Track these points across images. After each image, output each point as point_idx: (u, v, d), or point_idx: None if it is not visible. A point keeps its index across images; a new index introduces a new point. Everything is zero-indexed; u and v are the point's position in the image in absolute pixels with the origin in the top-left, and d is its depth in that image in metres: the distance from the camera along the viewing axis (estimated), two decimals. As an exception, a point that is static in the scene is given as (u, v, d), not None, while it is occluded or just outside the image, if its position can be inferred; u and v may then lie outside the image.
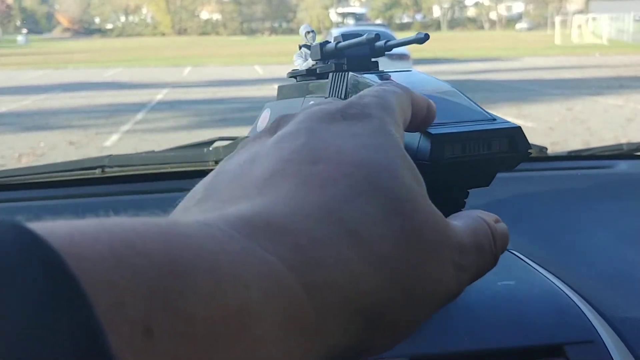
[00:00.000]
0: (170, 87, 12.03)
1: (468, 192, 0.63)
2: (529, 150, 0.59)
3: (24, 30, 52.63)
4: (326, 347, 0.26)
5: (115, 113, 8.48)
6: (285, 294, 0.24)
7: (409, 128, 0.39)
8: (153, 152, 1.32)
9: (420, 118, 0.40)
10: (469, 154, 0.53)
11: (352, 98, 0.35)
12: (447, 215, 0.33)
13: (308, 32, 0.77)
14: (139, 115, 8.27)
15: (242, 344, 0.21)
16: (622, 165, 1.24)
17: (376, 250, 0.27)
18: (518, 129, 0.57)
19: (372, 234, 0.27)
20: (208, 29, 54.62)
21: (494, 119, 0.58)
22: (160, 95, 10.69)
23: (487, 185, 0.62)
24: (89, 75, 15.07)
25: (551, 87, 10.78)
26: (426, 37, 0.62)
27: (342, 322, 0.26)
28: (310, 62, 0.74)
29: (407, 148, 0.50)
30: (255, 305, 0.22)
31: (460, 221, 0.32)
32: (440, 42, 26.67)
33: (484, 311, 0.65)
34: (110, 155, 1.21)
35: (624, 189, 1.17)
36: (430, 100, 0.41)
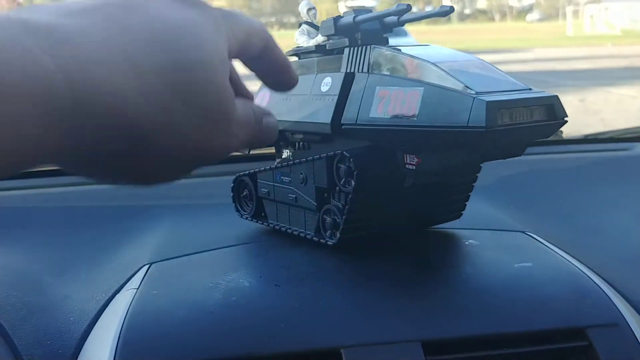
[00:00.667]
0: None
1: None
2: (565, 119, 0.57)
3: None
4: (88, 147, 0.32)
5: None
6: (47, 87, 0.29)
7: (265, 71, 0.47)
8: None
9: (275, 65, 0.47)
10: (515, 122, 0.54)
11: None
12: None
13: (310, 9, 0.75)
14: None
15: (2, 108, 0.27)
16: (639, 148, 1.20)
17: (155, 87, 0.33)
18: (556, 98, 0.57)
19: (155, 76, 0.33)
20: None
21: (530, 89, 0.57)
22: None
23: (520, 155, 0.60)
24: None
25: (563, 78, 10.67)
26: (451, 10, 0.60)
27: (105, 128, 0.31)
28: (320, 38, 0.72)
29: (459, 115, 0.49)
30: (19, 86, 0.27)
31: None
32: (450, 35, 26.54)
33: (500, 294, 0.61)
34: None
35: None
36: (289, 64, 0.48)
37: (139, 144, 0.33)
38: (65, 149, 0.31)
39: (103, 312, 0.65)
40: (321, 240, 0.71)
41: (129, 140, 0.33)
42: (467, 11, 52.10)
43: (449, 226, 0.76)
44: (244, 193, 0.83)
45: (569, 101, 7.85)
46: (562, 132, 1.21)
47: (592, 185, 1.04)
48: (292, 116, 0.71)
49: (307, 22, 0.74)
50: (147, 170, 0.36)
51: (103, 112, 0.31)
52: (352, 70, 0.65)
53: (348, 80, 0.66)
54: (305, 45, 0.73)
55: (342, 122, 0.65)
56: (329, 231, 0.71)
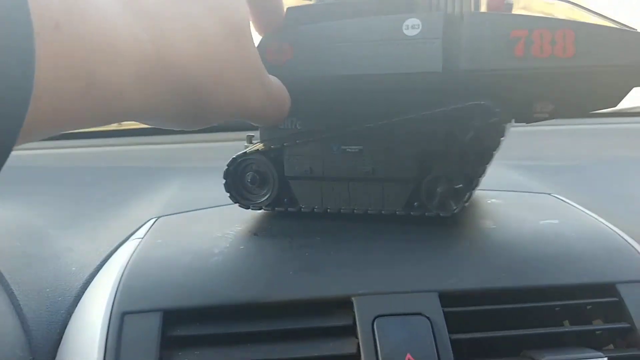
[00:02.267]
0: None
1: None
2: None
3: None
4: (162, 105, 0.38)
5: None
6: (144, 55, 0.35)
7: None
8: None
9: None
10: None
11: None
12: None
13: None
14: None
15: (109, 63, 0.32)
16: None
17: (213, 52, 0.40)
18: None
19: (213, 42, 0.40)
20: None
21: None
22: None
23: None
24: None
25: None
26: None
27: (178, 90, 0.38)
28: None
29: (628, 52, 0.50)
30: (123, 47, 0.33)
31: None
32: None
33: (525, 248, 0.58)
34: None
35: None
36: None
37: (200, 101, 0.40)
38: (145, 108, 0.37)
39: (106, 262, 0.62)
40: (415, 214, 0.61)
41: (192, 98, 0.40)
42: None
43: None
44: (250, 178, 0.65)
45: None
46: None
47: (621, 156, 1.00)
48: (354, 68, 0.55)
49: None
50: (199, 120, 0.43)
51: (178, 76, 0.37)
52: (441, 9, 0.56)
53: (453, 21, 0.54)
54: None
55: (462, 68, 0.54)
56: (440, 200, 0.59)
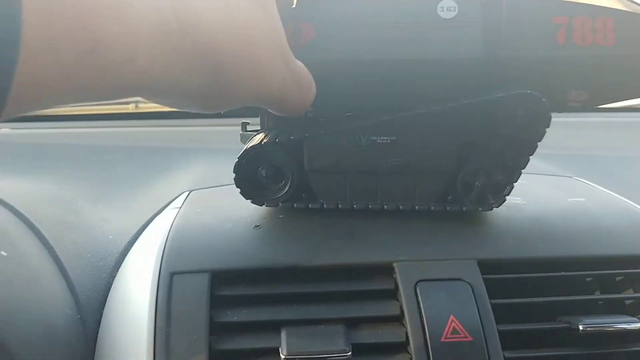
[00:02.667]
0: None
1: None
2: None
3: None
4: (179, 78, 0.33)
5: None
6: (161, 14, 0.30)
7: None
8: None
9: None
10: None
11: None
12: None
13: None
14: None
15: (119, 22, 0.28)
16: None
17: (240, 22, 0.36)
18: None
19: (240, 11, 0.36)
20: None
21: None
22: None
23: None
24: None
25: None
26: None
27: (197, 61, 0.33)
28: None
29: None
30: (137, 5, 0.29)
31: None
32: None
33: (555, 222, 0.60)
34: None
35: None
36: None
37: (222, 77, 0.36)
38: (160, 81, 0.32)
39: (144, 230, 0.63)
40: (452, 208, 0.58)
41: (214, 72, 0.35)
42: None
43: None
44: (265, 171, 0.59)
45: None
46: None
47: (631, 146, 1.02)
48: (387, 52, 0.51)
49: None
50: (218, 100, 0.38)
51: (200, 46, 0.33)
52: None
53: (491, 4, 0.51)
54: None
55: (503, 55, 0.51)
56: (478, 194, 0.58)
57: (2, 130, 1.08)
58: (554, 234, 0.57)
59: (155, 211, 0.67)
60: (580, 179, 0.74)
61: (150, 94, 0.35)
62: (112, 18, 0.27)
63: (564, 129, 1.05)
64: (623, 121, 1.19)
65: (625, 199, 0.66)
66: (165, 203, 0.69)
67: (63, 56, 0.26)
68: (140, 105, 1.17)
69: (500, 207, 0.59)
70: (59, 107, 1.19)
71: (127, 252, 0.60)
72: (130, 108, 1.16)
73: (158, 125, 1.14)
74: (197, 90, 0.35)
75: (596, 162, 0.92)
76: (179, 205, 0.65)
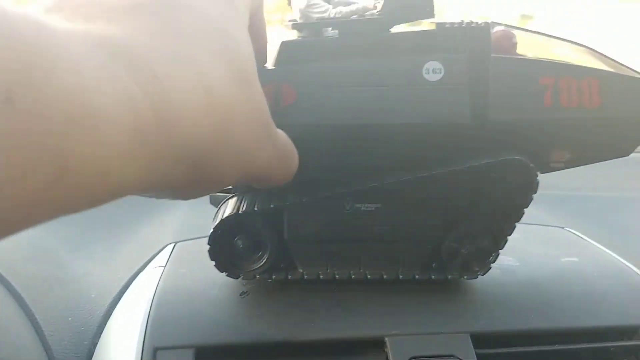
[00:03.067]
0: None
1: None
2: None
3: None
4: (157, 177, 0.29)
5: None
6: (137, 117, 0.26)
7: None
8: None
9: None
10: None
11: None
12: None
13: None
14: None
15: (90, 137, 0.24)
16: None
17: (220, 107, 0.31)
18: None
19: (221, 93, 0.31)
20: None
21: None
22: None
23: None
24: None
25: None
26: None
27: (177, 157, 0.30)
28: (366, 5, 0.52)
29: None
30: (108, 112, 0.25)
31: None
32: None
33: (549, 288, 0.59)
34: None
35: None
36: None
37: (204, 165, 0.32)
38: (139, 184, 0.29)
39: (126, 290, 0.62)
40: (437, 277, 0.57)
41: (196, 162, 0.31)
42: None
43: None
44: (242, 244, 0.56)
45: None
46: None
47: (627, 186, 1.01)
48: (372, 117, 0.49)
49: None
50: (200, 188, 0.34)
51: (181, 141, 0.29)
52: (459, 53, 0.50)
53: (477, 65, 0.50)
54: (329, 14, 0.51)
55: (490, 119, 0.49)
56: (463, 262, 0.56)
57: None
58: (547, 301, 0.56)
59: (139, 265, 0.66)
60: (572, 231, 0.73)
61: (127, 195, 0.31)
62: (80, 134, 0.24)
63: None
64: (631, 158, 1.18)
65: (617, 257, 0.65)
66: (149, 255, 0.68)
67: (27, 185, 0.24)
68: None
69: (493, 269, 0.57)
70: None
71: (110, 315, 0.59)
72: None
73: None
74: (177, 183, 0.32)
75: (587, 205, 0.91)
76: (164, 264, 0.63)
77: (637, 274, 0.62)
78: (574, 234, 0.72)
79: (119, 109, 0.26)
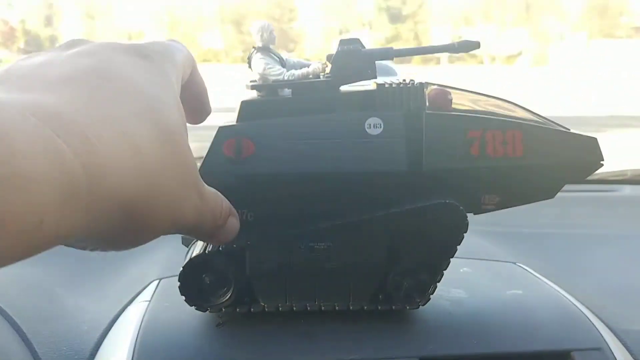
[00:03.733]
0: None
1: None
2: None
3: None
4: (90, 228, 0.32)
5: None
6: (68, 174, 0.29)
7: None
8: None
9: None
10: None
11: (145, 43, 0.42)
12: None
13: (271, 31, 0.61)
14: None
15: (22, 195, 0.27)
16: (627, 190, 1.27)
17: (147, 162, 0.35)
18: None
19: (147, 150, 0.35)
20: (209, 56, 54.84)
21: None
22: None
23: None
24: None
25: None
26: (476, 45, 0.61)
27: (107, 208, 0.33)
28: (315, 68, 0.60)
29: (569, 152, 0.59)
30: (39, 172, 0.28)
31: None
32: (440, 78, 26.59)
33: (493, 317, 0.66)
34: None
35: (627, 210, 1.20)
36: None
37: (134, 220, 0.35)
38: (72, 234, 0.32)
39: (115, 322, 0.68)
40: (383, 308, 0.64)
41: (126, 217, 0.35)
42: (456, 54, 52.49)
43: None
44: (209, 280, 0.63)
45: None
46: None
47: (580, 223, 1.09)
48: (322, 167, 0.58)
49: (265, 47, 0.61)
50: (131, 241, 0.38)
51: (110, 195, 0.32)
52: (397, 110, 0.59)
53: (412, 120, 0.58)
54: (284, 76, 0.60)
55: (424, 168, 0.58)
56: (405, 294, 0.63)
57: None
58: (490, 329, 0.63)
59: (126, 300, 0.72)
60: (522, 266, 0.80)
61: (65, 245, 0.35)
62: (16, 193, 0.27)
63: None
64: (575, 196, 1.26)
65: (560, 291, 0.72)
66: (135, 291, 0.74)
67: None
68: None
69: (443, 300, 0.65)
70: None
71: (100, 345, 0.65)
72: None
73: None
74: (110, 233, 0.35)
75: (542, 242, 0.99)
76: (149, 298, 0.70)
77: (574, 304, 0.69)
78: (524, 269, 0.80)
79: (50, 168, 0.29)
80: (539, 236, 1.02)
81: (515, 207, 0.97)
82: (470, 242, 0.87)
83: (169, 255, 0.86)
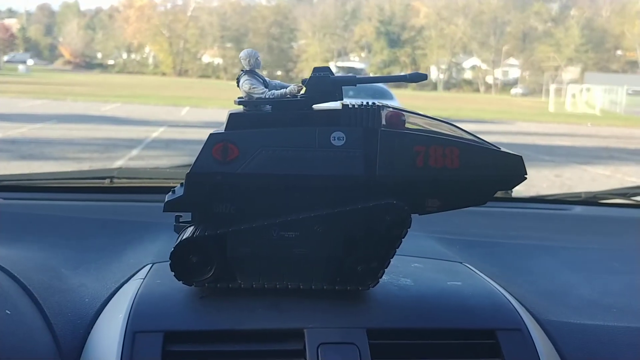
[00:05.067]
0: (166, 125, 12.01)
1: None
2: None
3: (29, 60, 52.93)
4: None
5: (110, 148, 8.49)
6: None
7: None
8: (158, 168, 1.47)
9: None
10: None
11: None
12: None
13: (257, 57, 0.76)
14: (134, 152, 8.27)
15: None
16: (578, 209, 1.40)
17: None
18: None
19: None
20: (209, 72, 54.80)
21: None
22: (156, 133, 10.71)
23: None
24: (87, 108, 15.04)
25: (542, 152, 10.88)
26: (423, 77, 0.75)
27: None
28: (292, 89, 0.74)
29: (498, 167, 0.74)
30: None
31: None
32: (435, 102, 26.92)
33: (433, 300, 0.78)
34: (119, 168, 1.37)
35: (576, 227, 1.33)
36: None
37: None
38: None
39: (113, 296, 0.80)
40: (340, 288, 0.76)
41: None
42: (453, 80, 52.94)
43: (401, 253, 0.92)
44: (195, 259, 0.75)
45: (545, 176, 8.08)
46: (511, 192, 1.39)
47: (531, 237, 1.22)
48: (293, 169, 0.71)
49: (251, 71, 0.75)
50: None
51: None
52: (357, 126, 0.72)
53: (370, 135, 0.72)
54: (266, 95, 0.74)
55: (377, 174, 0.71)
56: (360, 278, 0.75)
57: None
58: (430, 309, 0.76)
59: (123, 279, 0.84)
60: (468, 265, 0.92)
61: None
62: None
63: (476, 217, 1.25)
64: (530, 212, 1.39)
65: (494, 284, 0.84)
66: (132, 273, 0.86)
67: None
68: (115, 180, 1.33)
69: (392, 286, 0.78)
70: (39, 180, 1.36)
71: (100, 313, 0.77)
72: (106, 183, 1.33)
73: (130, 200, 1.31)
74: None
75: (492, 249, 1.11)
76: (143, 277, 0.82)
77: (503, 295, 0.81)
78: (468, 267, 0.92)
79: None
80: (490, 244, 1.14)
81: (471, 218, 1.10)
82: (425, 244, 1.01)
83: (161, 246, 0.98)
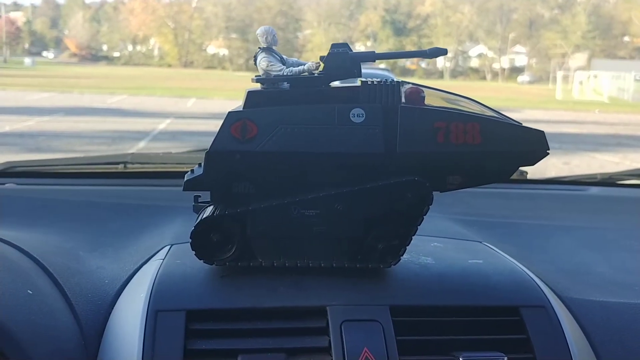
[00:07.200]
0: (173, 117, 11.99)
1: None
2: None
3: (48, 52, 52.78)
4: None
5: (117, 140, 8.46)
6: None
7: None
8: (170, 153, 1.47)
9: None
10: None
11: None
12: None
13: (274, 35, 0.74)
14: (141, 144, 8.23)
15: None
16: (594, 190, 1.40)
17: None
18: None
19: None
20: (214, 63, 54.65)
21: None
22: (163, 125, 10.68)
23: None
24: (94, 101, 15.03)
25: (550, 140, 10.79)
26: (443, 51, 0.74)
27: None
28: (310, 66, 0.73)
29: (520, 143, 0.73)
30: None
31: None
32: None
33: (454, 278, 0.78)
34: (132, 153, 1.37)
35: (592, 207, 1.33)
36: None
37: None
38: None
39: (133, 277, 0.80)
40: (361, 265, 0.75)
41: None
42: (459, 69, 52.73)
43: (420, 233, 0.91)
44: (216, 238, 0.75)
45: (553, 163, 8.04)
46: (526, 172, 1.39)
47: (548, 217, 1.21)
48: (313, 147, 0.71)
49: (268, 48, 0.73)
50: None
51: None
52: (377, 102, 0.71)
53: (389, 112, 0.71)
54: (284, 72, 0.73)
55: (398, 151, 0.70)
56: (381, 255, 0.75)
57: (8, 185, 1.24)
58: (451, 287, 0.75)
59: (142, 261, 0.84)
60: (488, 244, 0.92)
61: None
62: None
63: (493, 199, 1.24)
64: (548, 193, 1.39)
65: (516, 262, 0.84)
66: (150, 254, 0.86)
67: None
68: (129, 165, 1.33)
69: (413, 264, 0.77)
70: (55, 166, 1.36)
71: (120, 294, 0.77)
72: (120, 168, 1.33)
73: (144, 185, 1.31)
74: None
75: (511, 229, 1.10)
76: (163, 257, 0.82)
77: (526, 272, 0.81)
78: (488, 246, 0.91)
79: None
80: (509, 225, 1.14)
81: (488, 200, 1.09)
82: (445, 225, 1.00)
83: (177, 229, 0.98)
